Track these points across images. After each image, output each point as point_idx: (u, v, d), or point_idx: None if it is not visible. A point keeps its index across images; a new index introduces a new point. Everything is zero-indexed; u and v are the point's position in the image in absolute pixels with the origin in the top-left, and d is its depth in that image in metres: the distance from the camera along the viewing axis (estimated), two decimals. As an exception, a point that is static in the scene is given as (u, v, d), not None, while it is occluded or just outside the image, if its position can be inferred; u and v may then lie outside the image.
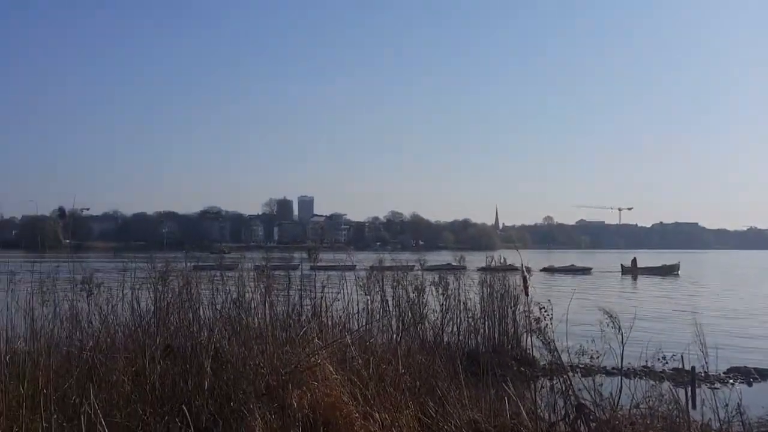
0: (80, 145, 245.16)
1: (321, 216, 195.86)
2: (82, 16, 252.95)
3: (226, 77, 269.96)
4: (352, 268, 14.87)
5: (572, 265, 65.17)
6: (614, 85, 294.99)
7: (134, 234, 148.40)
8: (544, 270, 59.37)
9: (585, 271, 62.55)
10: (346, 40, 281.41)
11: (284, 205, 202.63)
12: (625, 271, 60.60)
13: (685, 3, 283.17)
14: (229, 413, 6.43)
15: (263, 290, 10.15)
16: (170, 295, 9.14)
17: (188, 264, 11.95)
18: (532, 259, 47.21)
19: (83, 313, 8.72)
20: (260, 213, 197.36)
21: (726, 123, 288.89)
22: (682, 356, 7.63)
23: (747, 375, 13.77)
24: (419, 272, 15.94)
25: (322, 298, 11.46)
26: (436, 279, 14.52)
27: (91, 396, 5.70)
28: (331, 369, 6.92)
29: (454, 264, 21.62)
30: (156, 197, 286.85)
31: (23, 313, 7.91)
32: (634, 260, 62.21)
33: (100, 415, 5.48)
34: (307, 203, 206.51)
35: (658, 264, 62.45)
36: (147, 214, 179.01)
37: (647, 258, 79.19)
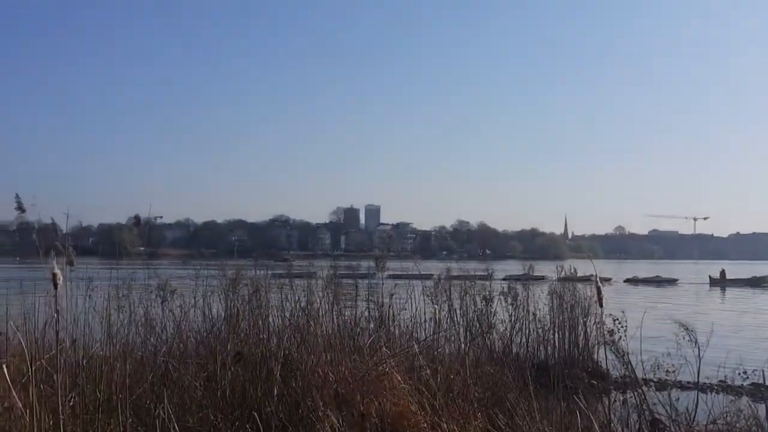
0: (153, 156, 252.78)
1: (387, 225, 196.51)
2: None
3: (293, 84, 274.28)
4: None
5: (657, 276, 63.61)
6: (685, 91, 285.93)
7: (205, 242, 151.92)
8: (628, 281, 58.57)
9: (671, 282, 60.80)
10: (409, 42, 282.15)
11: (351, 213, 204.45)
12: (713, 282, 58.59)
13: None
14: (298, 420, 6.49)
15: (331, 298, 10.26)
16: (240, 302, 9.33)
17: (268, 272, 12.17)
18: (604, 269, 46.13)
19: (157, 319, 8.98)
20: (327, 221, 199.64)
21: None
22: (763, 371, 7.28)
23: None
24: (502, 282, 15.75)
25: (389, 306, 11.48)
26: (505, 289, 14.35)
27: (165, 400, 5.85)
28: (399, 378, 6.90)
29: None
30: (225, 206, 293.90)
31: (100, 319, 8.15)
32: (723, 272, 59.95)
33: (174, 420, 5.61)
34: (373, 212, 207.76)
35: (748, 276, 60.05)
36: (217, 222, 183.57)
37: (725, 269, 76.33)
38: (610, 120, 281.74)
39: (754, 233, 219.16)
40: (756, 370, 7.53)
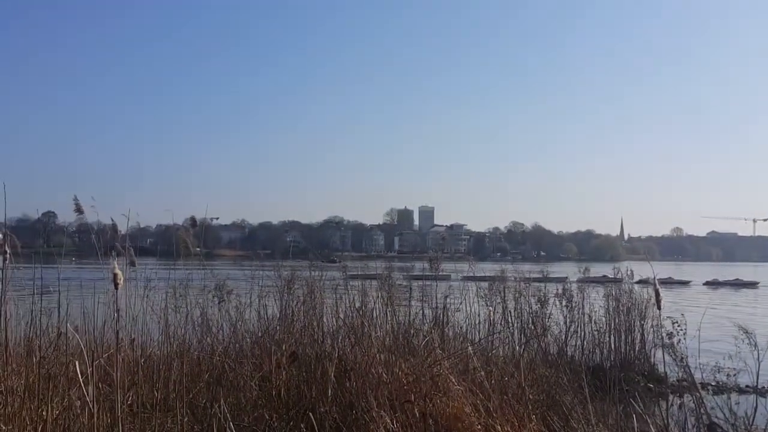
0: (212, 158, 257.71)
1: (441, 226, 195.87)
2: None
3: (356, 88, 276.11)
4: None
5: (737, 279, 62.24)
6: (742, 88, 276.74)
7: (260, 242, 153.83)
8: (707, 284, 57.86)
9: (751, 285, 59.20)
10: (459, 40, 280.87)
11: (405, 215, 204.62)
12: None
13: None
14: (353, 421, 6.55)
15: (385, 299, 10.33)
16: (295, 303, 9.47)
17: (345, 273, 12.32)
18: (662, 271, 45.17)
19: (213, 320, 9.16)
20: (381, 223, 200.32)
21: None
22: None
23: None
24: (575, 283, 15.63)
25: (444, 308, 11.50)
26: (560, 291, 14.20)
27: (221, 400, 5.98)
28: (453, 380, 6.90)
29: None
30: (281, 207, 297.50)
31: (157, 319, 8.34)
32: None
33: (229, 419, 5.72)
34: (427, 213, 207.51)
35: None
36: (272, 223, 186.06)
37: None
38: (666, 120, 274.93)
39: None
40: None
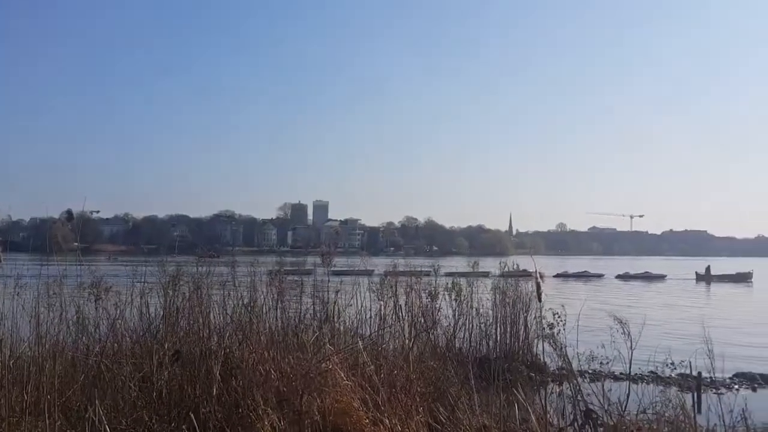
0: (91, 148, 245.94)
1: (335, 221, 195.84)
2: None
3: (238, 80, 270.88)
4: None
5: (647, 272, 65.58)
6: (626, 93, 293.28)
7: (145, 237, 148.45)
8: (619, 277, 60.84)
9: (660, 278, 62.52)
10: (356, 40, 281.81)
11: (299, 209, 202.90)
12: (699, 278, 60.71)
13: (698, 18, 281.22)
14: (238, 420, 6.41)
15: (275, 295, 10.16)
16: (180, 300, 9.14)
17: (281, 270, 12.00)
18: (546, 265, 47.31)
19: (90, 318, 8.69)
20: (274, 217, 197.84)
21: (734, 132, 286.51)
22: (690, 362, 7.56)
23: (752, 381, 13.79)
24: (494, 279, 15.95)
25: (334, 303, 11.44)
26: (449, 284, 14.45)
27: (96, 402, 5.69)
28: (342, 375, 6.89)
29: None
30: (167, 200, 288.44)
31: (28, 318, 7.83)
32: (708, 268, 61.81)
33: (105, 422, 5.46)
34: (321, 208, 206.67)
35: (732, 272, 62.16)
36: (158, 217, 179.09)
37: (659, 264, 78.85)
38: (554, 120, 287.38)
39: (685, 230, 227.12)
40: (683, 361, 7.80)
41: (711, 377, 8.97)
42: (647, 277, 62.43)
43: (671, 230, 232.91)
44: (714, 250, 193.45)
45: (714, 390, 11.00)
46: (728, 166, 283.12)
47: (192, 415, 6.08)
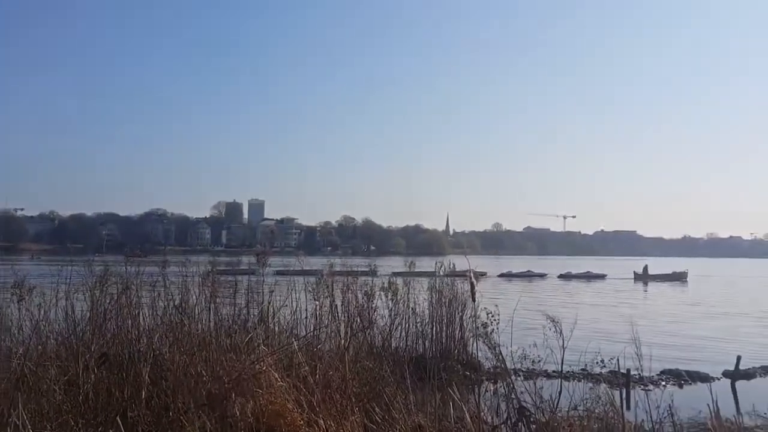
0: (14, 141, 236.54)
1: (271, 220, 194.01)
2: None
3: (174, 74, 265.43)
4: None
5: (588, 271, 67.11)
6: (560, 97, 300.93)
7: (71, 236, 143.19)
8: (561, 277, 62.24)
9: (600, 277, 64.04)
10: (304, 38, 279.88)
11: (234, 208, 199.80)
12: (637, 277, 62.57)
13: (636, 20, 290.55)
14: (167, 424, 6.25)
15: (208, 295, 9.97)
16: (108, 301, 8.86)
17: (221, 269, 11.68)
18: (481, 264, 48.07)
19: (13, 320, 8.35)
20: (208, 216, 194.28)
21: (660, 135, 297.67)
22: (617, 360, 7.77)
23: (678, 377, 14.21)
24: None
25: (269, 303, 11.30)
26: (386, 284, 14.46)
27: (19, 406, 5.44)
28: (277, 376, 6.80)
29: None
30: (96, 198, 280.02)
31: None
32: (646, 267, 63.78)
33: (29, 426, 5.24)
34: (257, 206, 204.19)
35: (669, 271, 64.59)
36: (86, 215, 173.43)
37: (591, 264, 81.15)
38: (488, 121, 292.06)
39: (616, 231, 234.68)
40: (612, 359, 8.02)
41: (639, 374, 9.24)
42: (588, 277, 64.04)
43: (602, 230, 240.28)
44: (643, 249, 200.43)
45: (642, 387, 11.33)
46: (655, 168, 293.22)
47: (119, 420, 5.88)
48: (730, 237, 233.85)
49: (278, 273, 15.92)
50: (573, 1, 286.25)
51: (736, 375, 14.34)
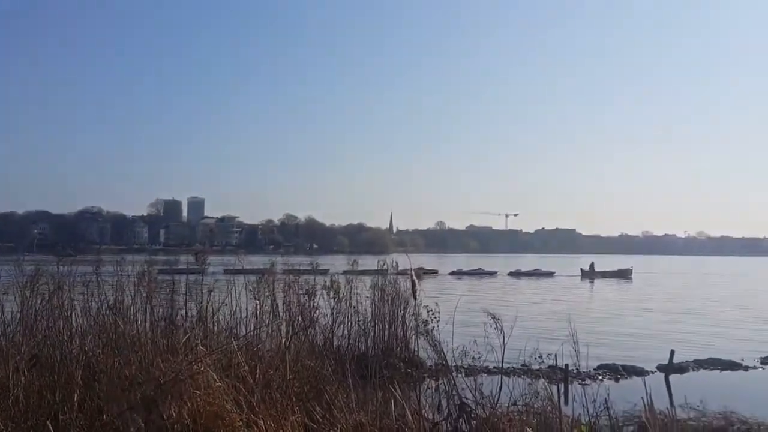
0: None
1: (212, 218, 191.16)
2: None
3: (109, 68, 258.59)
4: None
5: (537, 269, 68.77)
6: (502, 97, 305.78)
7: (1, 235, 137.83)
8: (511, 274, 63.70)
9: (549, 275, 65.48)
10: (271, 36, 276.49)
11: (172, 206, 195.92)
12: (584, 274, 64.34)
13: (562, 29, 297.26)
14: (100, 427, 6.07)
15: (144, 295, 9.75)
16: (39, 301, 8.56)
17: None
18: (424, 262, 48.50)
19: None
20: (145, 214, 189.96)
21: (598, 135, 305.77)
22: (555, 355, 7.93)
23: (615, 371, 14.62)
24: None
25: (208, 302, 11.12)
26: (327, 283, 14.40)
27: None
28: (215, 377, 6.67)
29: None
30: (28, 195, 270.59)
31: None
32: (592, 264, 65.77)
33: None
34: (197, 204, 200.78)
35: (615, 268, 66.79)
36: (17, 213, 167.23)
37: (531, 262, 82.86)
38: (432, 120, 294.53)
39: (556, 228, 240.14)
40: (550, 354, 8.17)
41: (577, 369, 9.44)
42: (537, 274, 65.58)
43: (543, 228, 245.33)
44: (582, 247, 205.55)
45: (580, 381, 11.58)
46: (593, 168, 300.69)
47: (50, 424, 5.68)
48: (665, 235, 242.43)
49: (228, 272, 15.71)
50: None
51: (669, 369, 14.82)
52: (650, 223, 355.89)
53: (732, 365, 15.90)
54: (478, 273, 64.80)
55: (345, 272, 17.38)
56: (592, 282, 57.86)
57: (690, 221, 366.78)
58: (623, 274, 64.27)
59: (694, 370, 15.44)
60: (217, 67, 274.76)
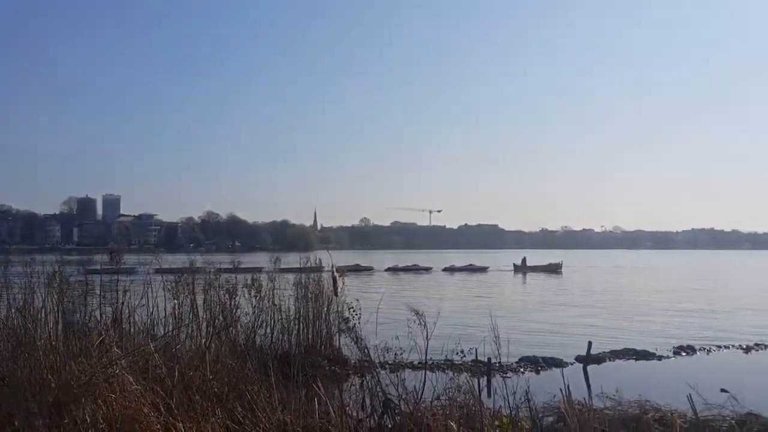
0: None
1: (128, 216, 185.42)
2: None
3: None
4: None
5: (471, 264, 70.17)
6: (425, 93, 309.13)
7: None
8: (446, 270, 65.49)
9: (483, 270, 67.28)
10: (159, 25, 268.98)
11: (86, 204, 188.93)
12: (516, 269, 66.19)
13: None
14: (9, 434, 5.78)
15: (56, 297, 9.37)
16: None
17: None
18: (350, 259, 48.54)
19: None
20: (58, 212, 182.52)
21: (520, 132, 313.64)
22: (476, 350, 8.06)
23: (536, 364, 15.00)
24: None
25: (123, 303, 10.78)
26: (249, 281, 14.18)
27: None
28: (131, 379, 6.47)
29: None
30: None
31: None
32: (524, 259, 67.70)
33: None
34: (112, 202, 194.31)
35: (545, 263, 68.69)
36: None
37: (455, 257, 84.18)
38: (352, 116, 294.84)
39: (479, 224, 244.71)
40: (471, 348, 8.29)
41: (499, 362, 9.62)
42: (471, 270, 67.37)
43: (466, 224, 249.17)
44: (505, 242, 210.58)
45: (502, 374, 11.79)
46: (515, 166, 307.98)
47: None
48: (583, 230, 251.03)
49: (159, 271, 15.24)
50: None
51: (587, 360, 15.31)
52: (569, 219, 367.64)
53: (646, 355, 16.54)
54: (414, 269, 66.33)
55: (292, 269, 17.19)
56: (525, 276, 59.64)
57: (607, 216, 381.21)
58: (554, 269, 66.51)
59: (610, 361, 15.97)
60: (121, 57, 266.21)
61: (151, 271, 13.28)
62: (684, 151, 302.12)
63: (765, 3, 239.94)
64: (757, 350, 17.44)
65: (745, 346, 17.81)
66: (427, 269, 66.35)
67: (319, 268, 16.17)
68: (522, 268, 66.19)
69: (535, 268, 66.43)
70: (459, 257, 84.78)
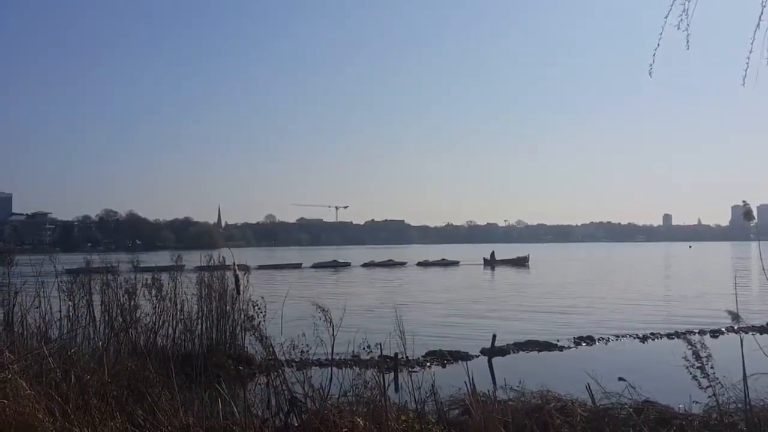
0: None
1: (21, 215, 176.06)
2: None
3: None
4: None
5: (443, 259, 72.73)
6: (334, 95, 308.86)
7: None
8: (420, 264, 67.68)
9: (454, 264, 69.87)
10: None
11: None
12: (486, 263, 69.05)
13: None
14: None
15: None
16: None
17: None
18: (254, 256, 47.97)
19: None
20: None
21: (425, 129, 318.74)
22: (381, 344, 8.18)
23: (442, 358, 15.23)
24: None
25: (13, 306, 10.30)
26: (149, 280, 13.77)
27: None
28: (25, 384, 6.21)
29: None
30: None
31: None
32: (493, 253, 71.06)
33: None
34: (3, 201, 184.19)
35: (513, 257, 72.06)
36: None
37: (362, 253, 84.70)
38: (257, 112, 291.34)
39: (385, 220, 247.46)
40: (378, 344, 8.36)
41: (406, 357, 9.75)
42: (443, 264, 69.73)
43: (373, 220, 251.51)
44: (411, 238, 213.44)
45: (410, 369, 11.95)
46: (420, 163, 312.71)
47: None
48: (488, 224, 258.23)
49: (70, 271, 14.57)
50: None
51: (492, 352, 15.72)
52: (473, 214, 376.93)
53: (548, 346, 17.10)
54: (389, 264, 68.65)
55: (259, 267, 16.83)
56: (494, 270, 61.93)
57: (509, 211, 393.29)
58: (521, 262, 69.54)
59: (514, 353, 16.42)
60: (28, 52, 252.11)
61: (61, 272, 12.75)
62: (579, 150, 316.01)
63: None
64: (652, 339, 18.27)
65: (641, 336, 18.64)
66: (402, 264, 68.73)
67: (225, 266, 15.92)
68: (491, 262, 69.37)
69: (504, 262, 69.84)
70: (365, 253, 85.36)
